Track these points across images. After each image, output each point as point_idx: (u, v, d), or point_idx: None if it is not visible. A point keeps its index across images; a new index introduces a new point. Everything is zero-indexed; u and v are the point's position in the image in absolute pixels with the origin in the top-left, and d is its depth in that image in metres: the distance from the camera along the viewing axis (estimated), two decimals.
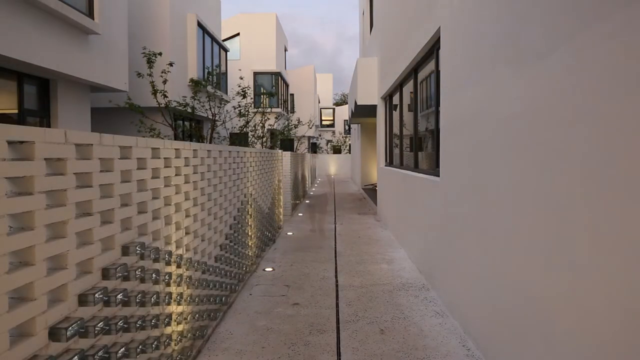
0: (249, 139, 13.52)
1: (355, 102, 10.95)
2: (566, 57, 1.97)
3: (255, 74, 20.98)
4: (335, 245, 6.71)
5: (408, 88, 6.73)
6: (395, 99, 8.04)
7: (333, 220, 9.20)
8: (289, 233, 7.74)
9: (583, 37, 1.85)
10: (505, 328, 2.65)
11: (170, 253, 2.55)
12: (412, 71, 6.15)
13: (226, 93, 14.29)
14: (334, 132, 37.79)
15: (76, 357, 1.56)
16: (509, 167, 2.61)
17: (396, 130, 8.06)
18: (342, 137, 37.26)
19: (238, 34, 21.73)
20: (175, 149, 2.68)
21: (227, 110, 13.35)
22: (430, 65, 5.12)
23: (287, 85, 24.20)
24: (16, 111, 6.24)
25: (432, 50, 4.87)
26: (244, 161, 4.85)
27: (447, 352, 3.10)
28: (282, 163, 8.58)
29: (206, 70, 12.37)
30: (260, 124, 13.28)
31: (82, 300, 1.68)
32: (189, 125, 12.17)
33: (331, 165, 27.96)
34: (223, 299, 3.76)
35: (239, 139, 13.89)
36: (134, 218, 2.13)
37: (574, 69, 1.92)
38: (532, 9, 2.32)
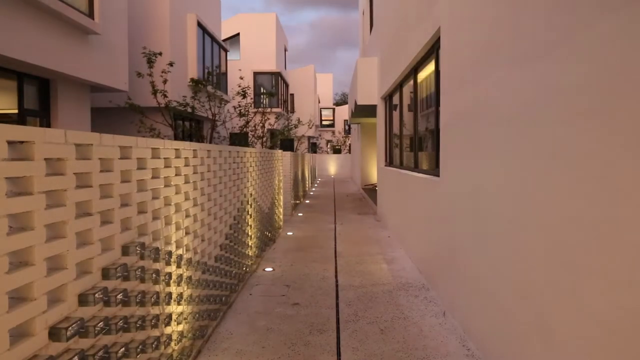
0: (249, 139, 13.52)
1: (355, 102, 10.95)
2: (566, 57, 1.97)
3: (255, 74, 20.97)
4: (335, 245, 6.71)
5: (408, 88, 6.73)
6: (395, 99, 8.04)
7: (333, 220, 9.20)
8: (289, 233, 7.74)
9: (583, 36, 1.85)
10: (506, 328, 2.65)
11: (170, 253, 2.55)
12: (412, 71, 6.14)
13: (226, 93, 14.29)
14: (334, 132, 37.74)
15: (76, 357, 1.56)
16: (509, 166, 2.61)
17: (396, 130, 8.06)
18: (342, 137, 37.21)
19: (238, 34, 21.73)
20: (175, 149, 2.68)
21: (227, 110, 13.35)
22: (431, 65, 5.12)
23: (287, 85, 24.19)
24: (16, 111, 6.24)
25: (432, 49, 4.87)
26: (244, 161, 4.85)
27: (447, 352, 3.10)
28: (282, 163, 8.58)
29: (206, 70, 12.36)
30: (260, 124, 13.28)
31: (82, 300, 1.67)
32: (189, 125, 12.17)
33: (331, 165, 27.93)
34: (223, 299, 3.76)
35: (239, 139, 13.88)
36: (134, 218, 2.13)
37: (575, 68, 1.92)
38: (532, 7, 2.32)
